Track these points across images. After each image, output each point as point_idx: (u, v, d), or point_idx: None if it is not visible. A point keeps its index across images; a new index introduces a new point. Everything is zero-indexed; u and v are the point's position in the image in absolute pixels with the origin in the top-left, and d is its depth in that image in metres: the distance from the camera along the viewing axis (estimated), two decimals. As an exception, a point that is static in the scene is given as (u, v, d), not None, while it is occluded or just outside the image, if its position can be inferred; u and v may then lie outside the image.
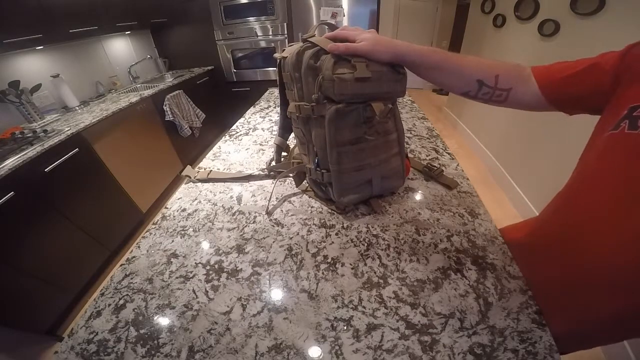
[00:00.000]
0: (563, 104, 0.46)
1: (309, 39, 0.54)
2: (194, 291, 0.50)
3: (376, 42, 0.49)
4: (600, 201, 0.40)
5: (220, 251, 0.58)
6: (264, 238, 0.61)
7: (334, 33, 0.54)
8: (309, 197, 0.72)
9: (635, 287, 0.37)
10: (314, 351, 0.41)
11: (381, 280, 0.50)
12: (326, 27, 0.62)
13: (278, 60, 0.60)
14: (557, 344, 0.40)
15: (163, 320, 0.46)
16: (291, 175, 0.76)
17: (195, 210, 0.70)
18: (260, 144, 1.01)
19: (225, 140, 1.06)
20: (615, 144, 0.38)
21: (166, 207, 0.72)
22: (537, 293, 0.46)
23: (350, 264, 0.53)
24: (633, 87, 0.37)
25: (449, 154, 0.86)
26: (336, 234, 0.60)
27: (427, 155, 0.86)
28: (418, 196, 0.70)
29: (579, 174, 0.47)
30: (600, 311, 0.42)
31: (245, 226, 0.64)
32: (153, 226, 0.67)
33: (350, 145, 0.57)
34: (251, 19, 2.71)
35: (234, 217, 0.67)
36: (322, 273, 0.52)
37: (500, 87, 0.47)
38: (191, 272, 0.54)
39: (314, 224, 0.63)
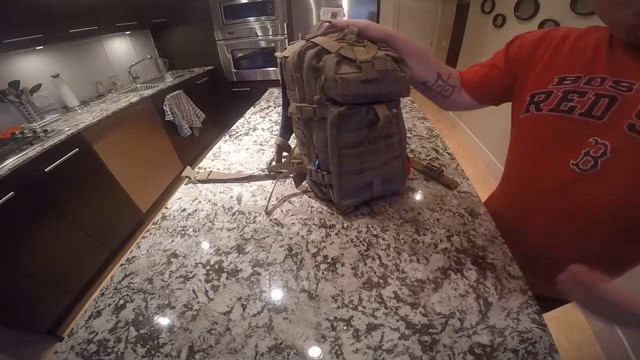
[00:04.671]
0: (487, 100, 0.61)
1: (312, 39, 0.53)
2: (194, 291, 0.50)
3: (371, 22, 0.56)
4: (527, 172, 0.55)
5: (220, 251, 0.58)
6: (264, 238, 0.61)
7: (334, 21, 0.57)
8: (309, 197, 0.72)
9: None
10: (314, 351, 0.41)
11: (381, 280, 0.50)
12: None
13: (279, 60, 0.59)
14: (540, 303, 0.45)
15: (163, 320, 0.46)
16: (291, 175, 0.76)
17: (195, 210, 0.70)
18: (260, 144, 1.01)
19: (225, 140, 1.06)
20: (528, 124, 0.51)
21: (166, 207, 0.72)
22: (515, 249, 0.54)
23: (350, 264, 0.53)
24: (528, 77, 0.51)
25: (449, 154, 0.86)
26: (336, 234, 0.60)
27: (427, 155, 0.86)
28: (418, 196, 0.70)
29: (510, 151, 0.61)
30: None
31: (245, 226, 0.64)
32: (153, 226, 0.67)
33: (352, 149, 0.57)
34: (251, 19, 2.71)
35: (234, 217, 0.67)
36: (322, 273, 0.52)
37: (450, 84, 0.60)
38: (191, 272, 0.54)
39: (314, 224, 0.63)
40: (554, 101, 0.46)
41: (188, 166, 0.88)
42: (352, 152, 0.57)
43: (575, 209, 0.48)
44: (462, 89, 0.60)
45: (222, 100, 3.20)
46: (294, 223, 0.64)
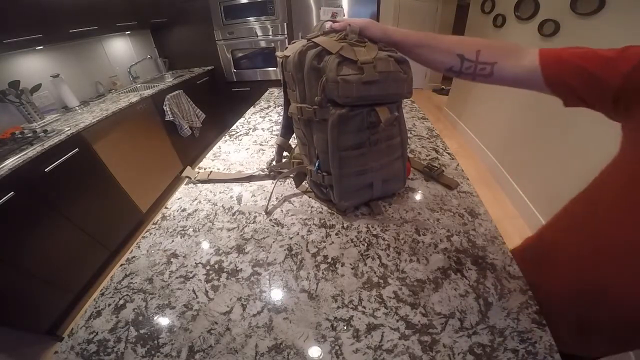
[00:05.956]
0: (560, 90, 0.42)
1: (313, 39, 0.52)
2: (194, 291, 0.50)
3: (370, 21, 0.53)
4: (633, 240, 0.36)
5: (220, 251, 0.58)
6: (264, 238, 0.61)
7: (333, 25, 0.55)
8: (309, 197, 0.72)
9: None
10: (314, 351, 0.41)
11: (381, 280, 0.50)
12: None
13: (280, 59, 0.59)
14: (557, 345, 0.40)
15: (163, 320, 0.46)
16: (291, 175, 0.76)
17: (195, 210, 0.70)
18: (260, 144, 1.01)
19: (225, 140, 1.06)
20: None
21: (166, 207, 0.72)
22: (542, 301, 0.45)
23: (350, 264, 0.53)
24: None
25: (449, 154, 0.86)
26: (336, 234, 0.60)
27: (427, 155, 0.86)
28: (418, 196, 0.70)
29: (606, 199, 0.42)
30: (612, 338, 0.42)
31: (245, 226, 0.64)
32: (153, 226, 0.67)
33: (353, 150, 0.56)
34: (251, 19, 2.71)
35: (234, 217, 0.67)
36: (322, 273, 0.52)
37: (483, 61, 0.47)
38: (191, 272, 0.54)
39: (314, 224, 0.63)
40: None
41: (188, 166, 0.88)
42: (353, 153, 0.57)
43: None
44: (518, 61, 0.44)
45: (222, 100, 3.19)
46: (294, 223, 0.64)
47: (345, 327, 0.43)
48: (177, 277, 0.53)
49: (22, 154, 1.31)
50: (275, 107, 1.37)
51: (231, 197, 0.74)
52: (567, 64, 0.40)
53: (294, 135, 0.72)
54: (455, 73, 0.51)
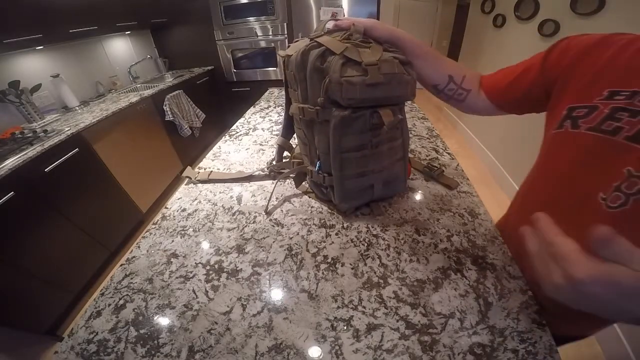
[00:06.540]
0: (509, 108, 0.52)
1: (316, 39, 0.51)
2: (194, 291, 0.50)
3: (376, 21, 0.54)
4: (548, 198, 0.46)
5: (220, 251, 0.58)
6: (264, 238, 0.61)
7: (337, 22, 0.55)
8: (309, 197, 0.72)
9: None
10: (314, 351, 0.41)
11: (381, 280, 0.50)
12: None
13: (282, 58, 0.58)
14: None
15: (163, 320, 0.46)
16: (291, 175, 0.76)
17: (195, 210, 0.70)
18: (260, 144, 1.01)
19: (225, 140, 1.06)
20: (560, 142, 0.43)
21: (166, 207, 0.72)
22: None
23: (350, 264, 0.53)
24: (569, 87, 0.42)
25: (449, 153, 0.86)
26: (336, 234, 0.60)
27: (427, 155, 0.86)
28: (418, 196, 0.70)
29: (533, 169, 0.52)
30: None
31: (245, 226, 0.64)
32: (153, 226, 0.67)
33: (355, 152, 0.56)
34: (251, 19, 2.71)
35: (234, 217, 0.67)
36: (322, 273, 0.52)
37: (464, 87, 0.54)
38: (191, 272, 0.54)
39: (314, 224, 0.63)
40: (596, 119, 0.37)
41: (188, 166, 0.88)
42: (355, 155, 0.56)
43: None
44: (480, 93, 0.54)
45: (222, 100, 3.20)
46: (294, 223, 0.64)
47: (345, 327, 0.43)
48: (177, 277, 0.53)
49: (22, 154, 1.32)
50: (275, 107, 1.37)
51: (231, 197, 0.74)
52: (505, 91, 0.50)
53: (295, 135, 0.72)
54: (436, 91, 0.56)
